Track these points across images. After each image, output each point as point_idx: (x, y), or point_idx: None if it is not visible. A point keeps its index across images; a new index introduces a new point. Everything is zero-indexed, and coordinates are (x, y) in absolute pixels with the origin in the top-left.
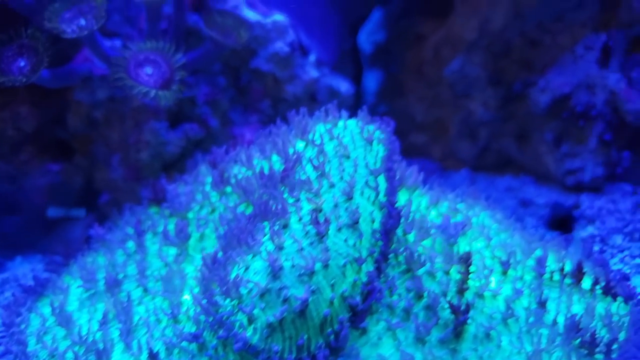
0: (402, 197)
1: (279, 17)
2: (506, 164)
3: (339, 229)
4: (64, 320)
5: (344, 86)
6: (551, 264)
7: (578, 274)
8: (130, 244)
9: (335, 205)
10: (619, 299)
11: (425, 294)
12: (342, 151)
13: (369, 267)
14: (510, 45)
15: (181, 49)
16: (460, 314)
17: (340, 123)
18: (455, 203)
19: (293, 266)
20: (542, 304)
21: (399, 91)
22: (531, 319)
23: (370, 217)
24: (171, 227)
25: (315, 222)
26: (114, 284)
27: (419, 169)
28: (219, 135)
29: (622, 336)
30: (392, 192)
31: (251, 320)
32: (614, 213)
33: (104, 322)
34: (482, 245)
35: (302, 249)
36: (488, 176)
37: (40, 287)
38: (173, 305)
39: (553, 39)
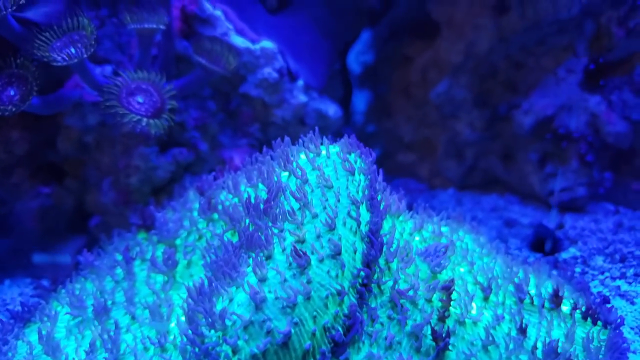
0: (385, 225)
1: (267, 43)
2: (492, 183)
3: (321, 260)
4: (51, 348)
5: (332, 109)
6: (532, 288)
7: (556, 299)
8: (119, 271)
9: (318, 236)
10: (599, 323)
11: (409, 322)
12: (324, 182)
13: (351, 298)
14: (496, 68)
15: (171, 76)
16: (441, 340)
17: (323, 152)
18: (440, 227)
19: (276, 298)
20: (522, 330)
21: (387, 111)
22: (511, 346)
23: (353, 247)
24: (159, 254)
25: (297, 253)
26: (102, 311)
27: (405, 189)
28: (208, 159)
29: None
30: (374, 222)
31: (235, 351)
32: (596, 233)
33: (91, 351)
34: (465, 270)
35: (285, 281)
36: (474, 195)
37: (28, 313)
38: (160, 334)
39: (537, 62)
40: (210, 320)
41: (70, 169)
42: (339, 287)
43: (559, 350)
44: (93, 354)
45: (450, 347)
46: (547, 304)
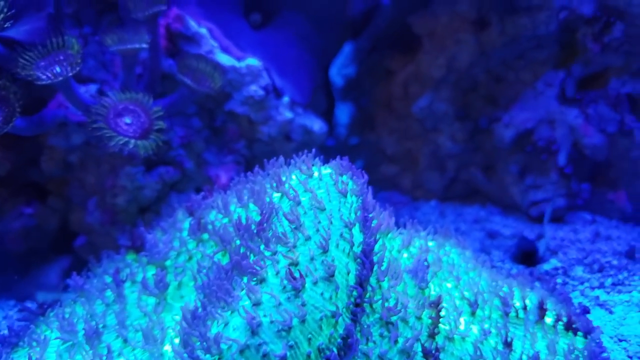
0: (377, 243)
1: (253, 61)
2: (474, 194)
3: (315, 283)
4: None
5: (317, 124)
6: (517, 301)
7: (540, 311)
8: (109, 294)
9: (312, 259)
10: (580, 333)
11: (400, 340)
12: (317, 204)
13: (345, 319)
14: (477, 82)
15: (157, 94)
16: (431, 357)
17: (315, 174)
18: (427, 243)
19: (271, 322)
20: (508, 344)
21: (369, 124)
22: (498, 359)
23: (346, 269)
24: (149, 275)
25: (292, 276)
26: (93, 335)
27: (389, 202)
28: (194, 177)
29: None
30: (367, 243)
31: None
32: (575, 243)
33: None
34: (452, 285)
35: (279, 304)
36: (457, 206)
37: (15, 338)
38: (153, 357)
39: (516, 76)
40: (205, 344)
41: (54, 188)
42: (333, 309)
43: None
44: None
45: None
46: (531, 317)
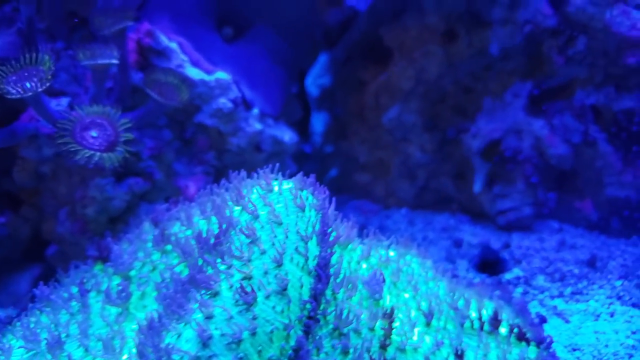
0: (334, 255)
1: (222, 74)
2: (444, 202)
3: (268, 297)
4: None
5: (287, 135)
6: (473, 311)
7: (495, 322)
8: (74, 303)
9: (265, 273)
10: (532, 343)
11: (351, 351)
12: (275, 218)
13: (297, 331)
14: (445, 93)
15: (127, 107)
16: None
17: (276, 189)
18: (387, 253)
19: (222, 335)
20: (459, 355)
21: (343, 133)
22: None
23: (299, 282)
24: (113, 285)
25: (244, 290)
26: (55, 345)
27: (360, 210)
28: (164, 187)
29: None
30: (322, 257)
31: None
32: (540, 252)
33: None
34: (410, 295)
35: (231, 318)
36: (427, 215)
37: None
38: None
39: (485, 87)
40: (158, 355)
41: (27, 198)
42: (285, 321)
43: None
44: None
45: None
46: (486, 327)
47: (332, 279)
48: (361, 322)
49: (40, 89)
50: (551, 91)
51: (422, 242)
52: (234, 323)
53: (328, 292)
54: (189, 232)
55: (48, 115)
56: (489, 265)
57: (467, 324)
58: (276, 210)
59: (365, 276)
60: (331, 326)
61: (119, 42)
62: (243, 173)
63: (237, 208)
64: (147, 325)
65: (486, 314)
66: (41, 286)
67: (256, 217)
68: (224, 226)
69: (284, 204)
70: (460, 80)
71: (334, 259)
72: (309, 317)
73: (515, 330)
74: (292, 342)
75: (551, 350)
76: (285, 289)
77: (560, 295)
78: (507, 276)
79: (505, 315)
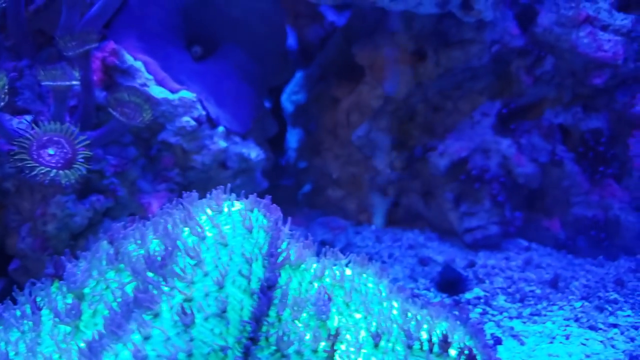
0: (283, 276)
1: (186, 93)
2: (415, 219)
3: (206, 319)
4: None
5: (254, 152)
6: (423, 332)
7: (445, 344)
8: (26, 321)
9: (206, 295)
10: None
11: None
12: (221, 239)
13: (235, 352)
14: (414, 112)
15: (91, 125)
16: None
17: (225, 209)
18: (343, 272)
19: (158, 356)
20: None
21: (316, 149)
22: None
23: (240, 304)
24: (66, 303)
25: (183, 312)
26: None
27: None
28: (127, 204)
29: None
30: (267, 279)
31: None
32: (504, 271)
33: None
34: (362, 316)
35: (168, 339)
36: (397, 231)
37: None
38: None
39: (454, 105)
40: None
41: None
42: (222, 343)
43: None
44: None
45: None
46: (435, 349)
47: (277, 301)
48: (304, 344)
49: None
50: (520, 110)
51: (387, 260)
52: (170, 344)
53: (272, 314)
54: (141, 251)
55: (6, 134)
56: (450, 284)
57: (416, 345)
58: (223, 231)
59: (314, 297)
60: (273, 348)
61: (83, 62)
62: (195, 194)
63: (187, 229)
64: (87, 345)
65: (436, 335)
66: None
67: (203, 238)
68: (169, 248)
69: (232, 225)
70: (430, 99)
71: (281, 281)
72: (249, 339)
73: (466, 352)
74: None
75: None
76: (224, 311)
77: (519, 316)
78: (468, 295)
79: (457, 337)
